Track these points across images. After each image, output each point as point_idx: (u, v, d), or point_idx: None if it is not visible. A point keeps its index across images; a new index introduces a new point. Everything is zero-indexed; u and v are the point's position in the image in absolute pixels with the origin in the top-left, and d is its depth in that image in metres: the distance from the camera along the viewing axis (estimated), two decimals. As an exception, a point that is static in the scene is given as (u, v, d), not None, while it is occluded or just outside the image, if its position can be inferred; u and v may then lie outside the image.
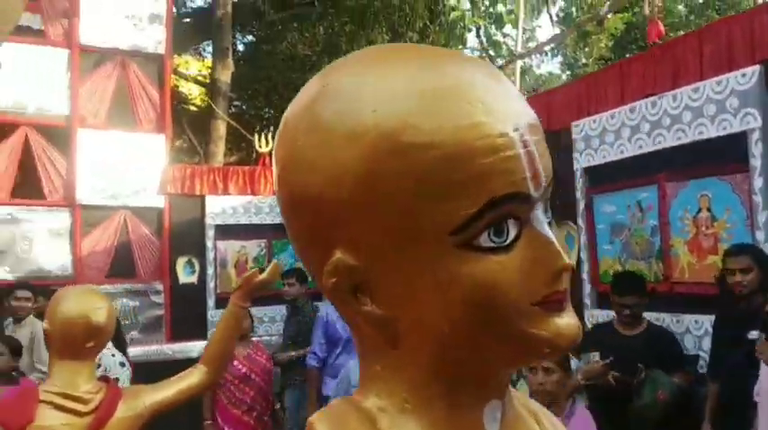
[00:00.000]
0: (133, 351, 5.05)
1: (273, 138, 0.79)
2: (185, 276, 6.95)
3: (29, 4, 6.06)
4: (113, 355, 3.68)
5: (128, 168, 6.83)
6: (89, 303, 2.03)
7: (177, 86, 12.35)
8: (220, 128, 9.88)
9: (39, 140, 6.51)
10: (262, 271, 2.29)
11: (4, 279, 5.99)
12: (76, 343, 1.99)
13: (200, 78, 13.51)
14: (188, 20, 12.66)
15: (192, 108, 13.44)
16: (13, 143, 6.41)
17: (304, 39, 11.99)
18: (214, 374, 2.25)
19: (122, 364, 3.73)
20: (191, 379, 2.21)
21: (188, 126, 12.12)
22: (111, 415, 1.99)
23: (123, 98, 6.96)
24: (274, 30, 12.15)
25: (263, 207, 7.35)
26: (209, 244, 7.04)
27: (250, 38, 14.08)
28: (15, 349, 4.10)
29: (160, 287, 6.84)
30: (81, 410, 1.96)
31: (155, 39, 7.13)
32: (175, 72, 11.05)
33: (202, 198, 7.10)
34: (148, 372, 3.41)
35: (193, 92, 13.87)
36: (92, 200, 6.62)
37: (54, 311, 2.01)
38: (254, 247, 7.32)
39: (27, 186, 6.53)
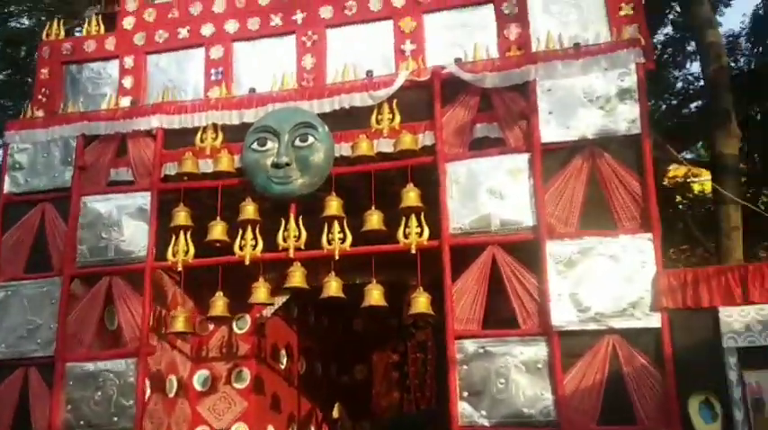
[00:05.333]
0: None
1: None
2: (703, 423, 5.10)
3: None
4: None
5: (611, 281, 5.47)
6: None
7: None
8: (732, 216, 7.75)
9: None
10: None
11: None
12: None
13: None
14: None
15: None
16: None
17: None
18: None
19: None
20: None
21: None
22: None
23: (596, 196, 5.71)
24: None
25: (812, 320, 5.12)
26: (733, 376, 5.11)
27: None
28: None
29: (671, 437, 5.09)
30: None
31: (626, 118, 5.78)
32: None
33: (714, 311, 5.25)
34: None
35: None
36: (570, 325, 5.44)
37: None
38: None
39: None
